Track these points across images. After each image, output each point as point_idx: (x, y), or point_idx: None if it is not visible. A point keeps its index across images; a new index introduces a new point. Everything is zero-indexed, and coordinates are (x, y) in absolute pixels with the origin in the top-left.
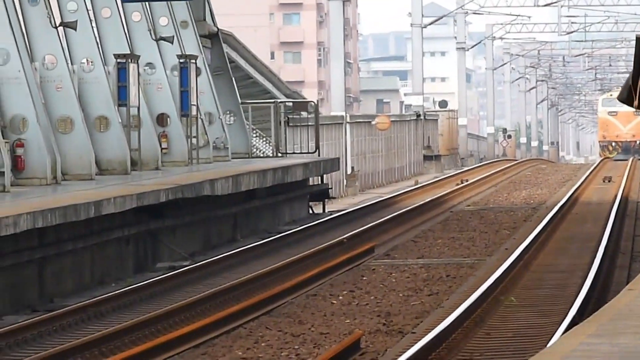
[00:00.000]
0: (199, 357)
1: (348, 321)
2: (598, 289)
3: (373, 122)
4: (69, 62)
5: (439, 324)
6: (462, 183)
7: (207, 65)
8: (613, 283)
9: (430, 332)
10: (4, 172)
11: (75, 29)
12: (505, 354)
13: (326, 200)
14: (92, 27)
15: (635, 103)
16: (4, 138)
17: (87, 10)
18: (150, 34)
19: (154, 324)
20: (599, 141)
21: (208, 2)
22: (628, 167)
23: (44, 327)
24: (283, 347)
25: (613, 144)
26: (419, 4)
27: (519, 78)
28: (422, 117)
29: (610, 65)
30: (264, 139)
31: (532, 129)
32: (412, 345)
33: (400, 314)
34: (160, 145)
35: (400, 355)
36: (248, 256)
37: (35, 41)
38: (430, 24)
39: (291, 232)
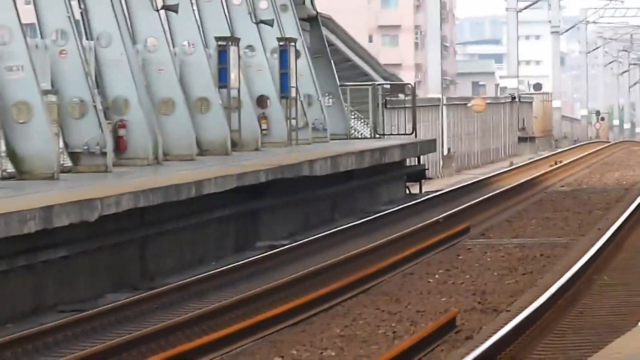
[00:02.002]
0: (298, 335)
1: (444, 299)
2: None
3: (469, 105)
4: (171, 44)
5: (533, 302)
6: (556, 164)
7: (306, 48)
8: None
9: (524, 310)
10: (106, 152)
11: (177, 12)
12: (598, 332)
13: (423, 181)
14: (194, 10)
15: None
16: (106, 119)
17: None
18: (250, 17)
19: (253, 302)
20: None
21: None
22: None
23: (145, 305)
24: (380, 324)
25: None
26: None
27: (612, 62)
28: (517, 100)
29: None
30: (362, 120)
31: (624, 112)
32: (507, 324)
33: (495, 293)
34: (260, 127)
35: (495, 332)
36: (346, 236)
37: (137, 24)
38: (525, 8)
39: (388, 213)
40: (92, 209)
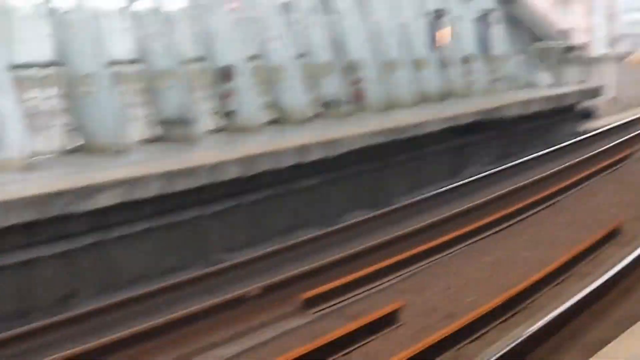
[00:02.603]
0: (499, 240)
1: (612, 210)
2: None
3: (629, 59)
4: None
5: None
6: None
7: (504, 18)
8: None
9: None
10: (346, 101)
11: None
12: None
13: (594, 118)
14: None
15: None
16: (346, 75)
17: None
18: None
19: (466, 214)
20: None
21: None
22: None
23: (386, 218)
24: (563, 230)
25: None
26: None
27: None
28: None
29: None
30: (545, 72)
31: None
32: None
33: None
34: (467, 79)
35: None
36: (535, 162)
37: (370, 3)
38: None
39: (569, 144)
40: (334, 147)
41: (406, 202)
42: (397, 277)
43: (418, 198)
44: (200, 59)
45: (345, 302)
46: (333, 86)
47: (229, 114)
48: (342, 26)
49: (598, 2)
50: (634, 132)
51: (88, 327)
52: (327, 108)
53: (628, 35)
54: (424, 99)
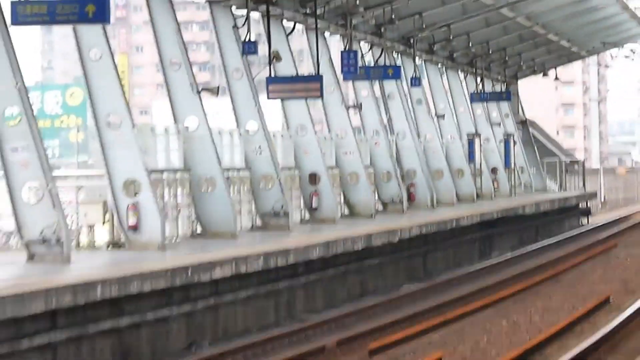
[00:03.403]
0: (518, 303)
1: (602, 286)
2: None
3: (616, 172)
4: (440, 138)
5: None
6: None
7: (519, 139)
8: None
9: None
10: (402, 201)
11: (444, 118)
12: None
13: (589, 216)
14: (453, 117)
15: None
16: (403, 181)
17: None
18: (487, 121)
19: (496, 287)
20: None
21: (520, 101)
22: None
23: (427, 292)
24: (566, 300)
25: None
26: None
27: None
28: None
29: None
30: (553, 180)
31: None
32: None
33: (634, 282)
34: (493, 185)
35: (634, 304)
36: (545, 249)
37: (420, 126)
38: None
39: (570, 235)
40: (394, 235)
41: (446, 277)
42: (439, 333)
43: (456, 274)
44: (292, 167)
45: (401, 352)
46: (393, 189)
47: (313, 210)
48: (400, 144)
49: (593, 128)
50: (619, 228)
51: None
52: (387, 206)
53: (615, 154)
54: (461, 200)
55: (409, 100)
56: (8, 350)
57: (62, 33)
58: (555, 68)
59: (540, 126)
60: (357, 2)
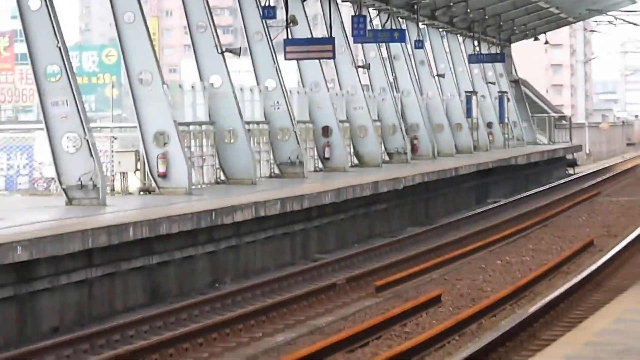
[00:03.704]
0: (508, 248)
1: (587, 230)
2: None
3: (600, 126)
4: (441, 94)
5: (636, 231)
6: None
7: (512, 97)
8: None
9: (632, 234)
10: (406, 152)
11: (444, 77)
12: None
13: (575, 166)
14: (453, 77)
15: None
16: (407, 134)
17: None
18: (483, 80)
19: (489, 230)
20: None
21: (513, 62)
22: None
23: (430, 232)
24: (554, 242)
25: None
26: None
27: None
28: (624, 123)
29: None
30: (543, 134)
31: None
32: (622, 242)
33: (615, 226)
34: (488, 138)
35: (616, 246)
36: (535, 196)
37: (422, 84)
38: (631, 73)
39: (558, 184)
40: (399, 183)
41: (446, 222)
42: (439, 272)
43: (455, 219)
44: (307, 121)
45: (404, 289)
46: (398, 141)
47: (326, 159)
48: (404, 100)
49: (579, 87)
50: (600, 177)
51: (229, 303)
52: (392, 156)
53: (598, 110)
54: (459, 151)
55: (412, 61)
56: (49, 285)
57: None
58: (545, 33)
59: (532, 85)
60: None
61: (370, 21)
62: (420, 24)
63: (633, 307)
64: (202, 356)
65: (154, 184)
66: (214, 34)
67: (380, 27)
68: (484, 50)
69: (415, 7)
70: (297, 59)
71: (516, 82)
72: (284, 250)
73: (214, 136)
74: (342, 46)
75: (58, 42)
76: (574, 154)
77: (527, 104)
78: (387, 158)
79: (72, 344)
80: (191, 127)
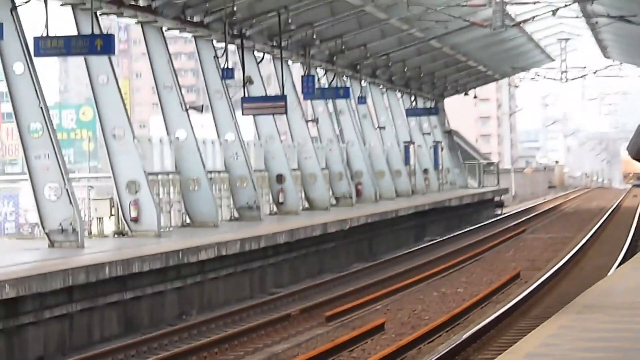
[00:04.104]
0: (444, 280)
1: (514, 263)
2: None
3: (524, 171)
4: (382, 144)
5: (557, 264)
6: (566, 197)
7: (446, 146)
8: None
9: (554, 267)
10: (351, 196)
11: (384, 129)
12: (590, 273)
13: (502, 207)
14: (394, 129)
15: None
16: (352, 180)
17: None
18: (420, 131)
19: (424, 266)
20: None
21: (445, 115)
22: None
23: (374, 267)
24: (484, 274)
25: (631, 174)
26: None
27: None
28: (546, 168)
29: None
30: (473, 179)
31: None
32: (545, 274)
33: (539, 260)
34: (425, 183)
35: (540, 278)
36: (467, 234)
37: (366, 135)
38: (549, 124)
39: (487, 223)
40: (345, 224)
41: (388, 257)
42: (383, 303)
43: (396, 255)
44: (263, 169)
45: (351, 318)
46: (344, 186)
47: (280, 204)
48: (349, 150)
49: (505, 136)
50: (525, 217)
51: (195, 332)
52: (339, 200)
53: (523, 157)
54: (399, 195)
55: (356, 114)
56: (34, 319)
57: (76, 62)
58: (475, 88)
59: (462, 135)
60: (314, 36)
61: (318, 80)
62: (363, 81)
63: (556, 332)
64: None
65: (127, 228)
66: (179, 93)
67: (327, 85)
68: (420, 105)
69: (358, 67)
70: (254, 115)
71: (449, 133)
72: (244, 285)
73: (180, 184)
74: (294, 102)
75: (40, 102)
76: (502, 196)
77: (459, 152)
78: (334, 202)
79: None
80: (159, 176)
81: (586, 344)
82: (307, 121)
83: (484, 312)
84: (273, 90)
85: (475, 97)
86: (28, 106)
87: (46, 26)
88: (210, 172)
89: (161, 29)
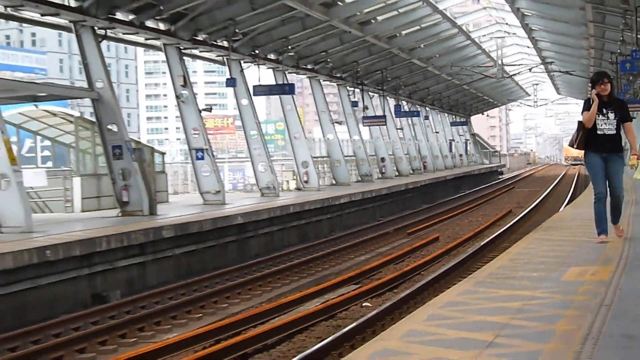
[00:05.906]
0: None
1: (508, 205)
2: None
3: (513, 155)
4: (438, 141)
5: (532, 205)
6: (537, 170)
7: (472, 142)
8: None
9: (530, 206)
10: (419, 169)
11: (385, 124)
12: (550, 208)
13: (501, 174)
14: (444, 132)
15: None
16: (421, 160)
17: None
18: (458, 134)
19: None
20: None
21: (471, 125)
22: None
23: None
24: (492, 210)
25: (569, 157)
26: None
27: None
28: (525, 154)
29: None
30: (486, 159)
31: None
32: (525, 210)
33: (522, 203)
34: (460, 161)
35: (522, 213)
36: (482, 189)
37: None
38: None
39: (493, 182)
40: (418, 183)
41: (441, 201)
42: (437, 226)
43: (445, 200)
44: (373, 155)
45: (422, 234)
46: (417, 163)
47: (382, 173)
48: (420, 144)
49: (503, 136)
50: (514, 180)
51: (338, 241)
52: (414, 171)
53: (512, 147)
54: (446, 168)
55: (423, 125)
56: (252, 234)
57: (275, 98)
58: (487, 110)
59: (480, 135)
60: (401, 83)
61: (402, 106)
62: (427, 107)
63: (532, 241)
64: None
65: (302, 186)
66: (329, 114)
67: (407, 110)
68: (457, 119)
69: (424, 100)
70: (369, 126)
71: (473, 135)
72: (364, 216)
73: (330, 162)
74: (389, 119)
75: (255, 119)
76: (501, 168)
77: (478, 145)
78: (412, 172)
79: None
80: (319, 159)
81: (550, 246)
82: (396, 129)
83: (492, 231)
84: (379, 111)
85: (487, 115)
86: (249, 121)
87: (259, 79)
88: (346, 156)
89: (319, 80)
